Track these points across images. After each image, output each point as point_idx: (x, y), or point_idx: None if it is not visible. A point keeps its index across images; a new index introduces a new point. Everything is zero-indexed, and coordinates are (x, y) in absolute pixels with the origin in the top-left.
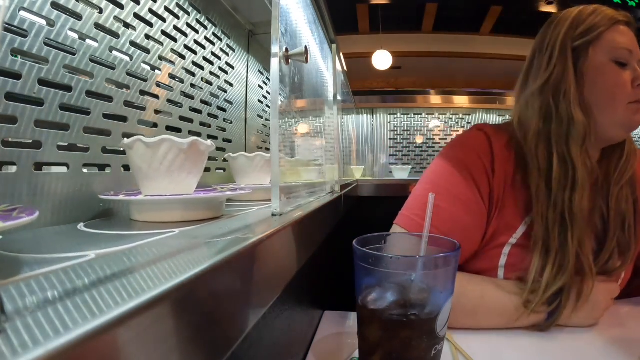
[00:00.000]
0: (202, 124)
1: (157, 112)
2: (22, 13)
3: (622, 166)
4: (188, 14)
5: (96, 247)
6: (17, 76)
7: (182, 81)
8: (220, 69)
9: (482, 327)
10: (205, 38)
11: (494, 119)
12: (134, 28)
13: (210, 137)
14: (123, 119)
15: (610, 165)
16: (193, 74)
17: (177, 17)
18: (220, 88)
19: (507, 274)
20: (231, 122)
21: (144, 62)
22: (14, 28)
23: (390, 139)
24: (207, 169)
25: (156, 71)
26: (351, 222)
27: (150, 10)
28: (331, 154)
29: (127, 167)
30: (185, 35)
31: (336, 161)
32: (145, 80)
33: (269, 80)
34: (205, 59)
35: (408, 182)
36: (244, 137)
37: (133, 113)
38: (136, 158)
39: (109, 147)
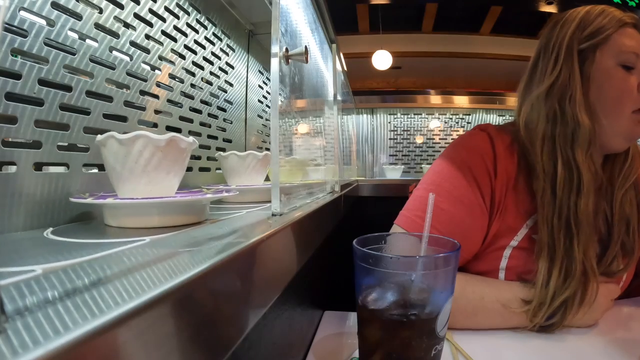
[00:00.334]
0: (202, 124)
1: (157, 112)
2: (22, 13)
3: (626, 169)
4: (188, 14)
5: (50, 259)
6: (17, 76)
7: (182, 81)
8: (220, 69)
9: (482, 327)
10: (205, 38)
11: (494, 119)
12: (134, 28)
13: (210, 137)
14: (123, 119)
15: (615, 169)
16: (193, 74)
17: (177, 17)
18: (220, 88)
19: (508, 277)
20: (231, 122)
21: (144, 62)
22: (14, 28)
23: (390, 139)
24: (206, 169)
25: (156, 71)
26: (351, 222)
27: (150, 10)
28: (331, 154)
29: None
30: (185, 35)
31: (336, 161)
32: (145, 80)
33: (269, 80)
34: (205, 59)
35: (408, 182)
36: (244, 137)
37: (133, 113)
38: (109, 156)
39: None
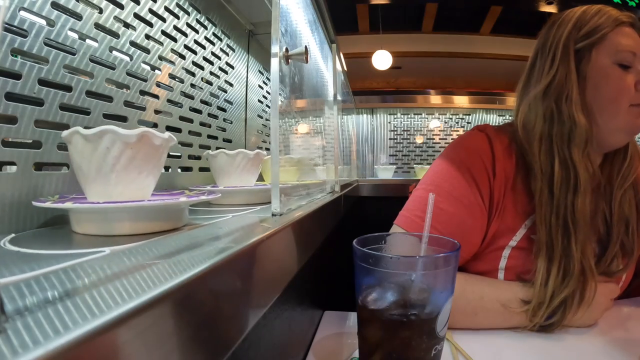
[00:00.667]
0: (202, 124)
1: (157, 112)
2: (22, 13)
3: (625, 169)
4: (188, 14)
5: None
6: (17, 76)
7: (182, 81)
8: (220, 69)
9: (482, 327)
10: (205, 38)
11: (494, 119)
12: (134, 28)
13: (210, 137)
14: (123, 119)
15: (613, 169)
16: (193, 74)
17: (177, 17)
18: (220, 88)
19: (507, 276)
20: (231, 122)
21: (144, 62)
22: (14, 28)
23: (390, 139)
24: (206, 169)
25: (156, 71)
26: (351, 222)
27: (150, 10)
28: (331, 154)
29: None
30: (185, 35)
31: (336, 161)
32: (145, 80)
33: (269, 80)
34: (205, 59)
35: (408, 182)
36: (244, 137)
37: (133, 113)
38: (75, 154)
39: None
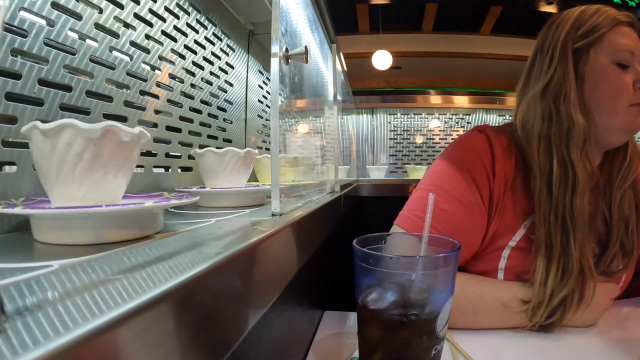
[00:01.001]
0: (202, 124)
1: (157, 112)
2: (22, 13)
3: (624, 169)
4: (188, 14)
5: None
6: (17, 76)
7: (182, 81)
8: (220, 69)
9: (482, 327)
10: (205, 38)
11: (494, 119)
12: (134, 28)
13: (210, 137)
14: (123, 119)
15: (613, 169)
16: (193, 74)
17: (177, 17)
18: (220, 88)
19: (507, 277)
20: (231, 122)
21: (144, 62)
22: (14, 28)
23: (390, 139)
24: None
25: (156, 71)
26: (351, 222)
27: (150, 10)
28: (331, 154)
29: None
30: (185, 35)
31: (335, 161)
32: (145, 80)
33: (269, 80)
34: (205, 59)
35: (408, 182)
36: (244, 137)
37: (133, 113)
38: (35, 152)
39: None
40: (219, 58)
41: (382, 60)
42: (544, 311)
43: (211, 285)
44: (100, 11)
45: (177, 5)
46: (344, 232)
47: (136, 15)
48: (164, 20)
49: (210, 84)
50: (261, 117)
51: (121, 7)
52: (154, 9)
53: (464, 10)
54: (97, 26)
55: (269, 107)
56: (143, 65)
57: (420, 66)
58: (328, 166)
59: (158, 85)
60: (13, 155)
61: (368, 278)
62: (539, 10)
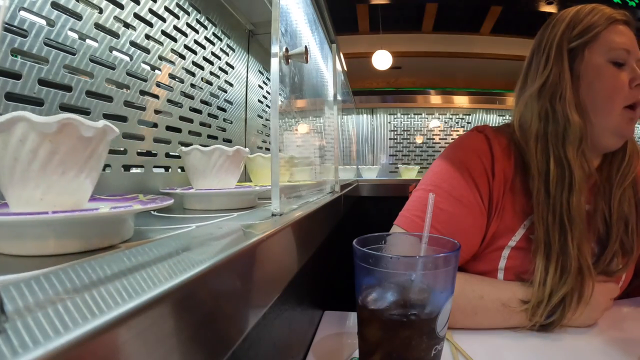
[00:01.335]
0: (202, 124)
1: (157, 112)
2: (22, 13)
3: (624, 168)
4: (188, 14)
5: None
6: (17, 76)
7: (182, 81)
8: (220, 69)
9: (482, 327)
10: (205, 38)
11: (494, 119)
12: (134, 28)
13: (210, 137)
14: (123, 119)
15: (612, 168)
16: (193, 74)
17: (177, 17)
18: (220, 88)
19: (507, 276)
20: (231, 122)
21: (144, 62)
22: (14, 28)
23: (390, 139)
24: None
25: (156, 71)
26: (351, 222)
27: (150, 10)
28: (331, 154)
29: (127, 167)
30: (185, 35)
31: (335, 161)
32: (145, 80)
33: (269, 80)
34: (205, 59)
35: (408, 182)
36: (244, 137)
37: (133, 113)
38: None
39: (109, 147)
40: (219, 58)
41: (382, 60)
42: (543, 310)
43: (211, 285)
44: (100, 11)
45: (177, 5)
46: (344, 232)
47: (136, 15)
48: (164, 20)
49: (210, 84)
50: (261, 117)
51: (121, 7)
52: (154, 9)
53: (464, 10)
54: (97, 26)
55: (269, 107)
56: (143, 65)
57: (420, 66)
58: (328, 166)
59: (158, 85)
60: None
61: (368, 278)
62: (539, 10)
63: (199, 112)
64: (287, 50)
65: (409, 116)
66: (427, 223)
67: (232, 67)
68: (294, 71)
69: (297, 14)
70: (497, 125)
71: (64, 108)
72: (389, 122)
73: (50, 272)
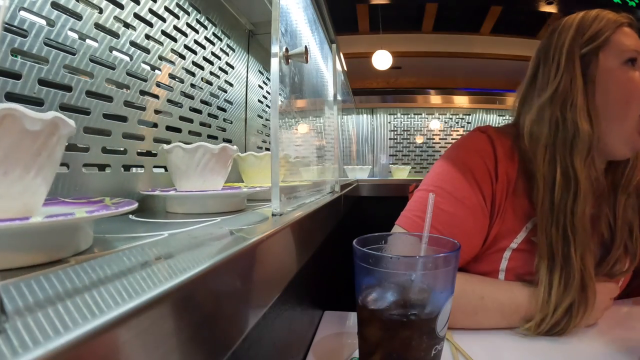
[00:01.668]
0: (202, 124)
1: (157, 112)
2: (22, 13)
3: (628, 174)
4: (188, 14)
5: None
6: (17, 76)
7: (182, 81)
8: (220, 69)
9: (482, 327)
10: (205, 38)
11: (494, 119)
12: (134, 28)
13: (210, 137)
14: (123, 119)
15: (617, 172)
16: (193, 74)
17: (177, 17)
18: (220, 88)
19: (508, 278)
20: (231, 122)
21: (144, 62)
22: (14, 28)
23: (390, 139)
24: None
25: (156, 71)
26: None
27: (150, 10)
28: (331, 154)
29: (127, 167)
30: (185, 35)
31: (335, 161)
32: (145, 80)
33: (269, 80)
34: (205, 59)
35: (408, 182)
36: (244, 137)
37: (133, 113)
38: None
39: (109, 147)
40: (219, 58)
41: (382, 60)
42: (548, 323)
43: (211, 285)
44: (100, 11)
45: (177, 5)
46: (344, 232)
47: (136, 15)
48: (164, 20)
49: (210, 84)
50: (261, 117)
51: (121, 7)
52: (154, 9)
53: (464, 10)
54: (97, 26)
55: (269, 107)
56: (143, 65)
57: (420, 66)
58: (328, 166)
59: (158, 85)
60: None
61: (368, 278)
62: (539, 10)
63: (199, 112)
64: (287, 50)
65: (409, 116)
66: (427, 223)
67: (232, 67)
68: (294, 71)
69: (297, 14)
70: (498, 125)
71: (64, 108)
72: (389, 122)
73: (51, 272)
